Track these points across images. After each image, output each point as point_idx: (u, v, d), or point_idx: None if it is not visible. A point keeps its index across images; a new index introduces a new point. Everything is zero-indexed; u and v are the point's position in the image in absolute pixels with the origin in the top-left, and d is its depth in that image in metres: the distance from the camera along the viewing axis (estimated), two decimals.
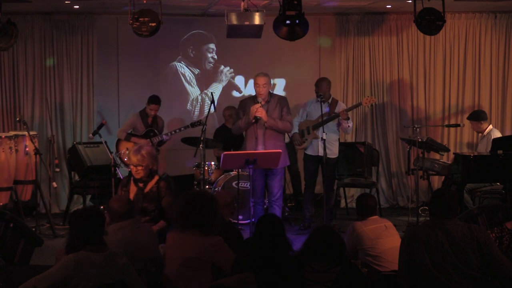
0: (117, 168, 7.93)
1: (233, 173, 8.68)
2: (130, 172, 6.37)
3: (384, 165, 10.18)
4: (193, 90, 10.44)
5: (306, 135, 8.41)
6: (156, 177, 6.28)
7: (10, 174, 8.12)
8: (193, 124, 8.89)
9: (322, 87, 8.41)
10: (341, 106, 8.46)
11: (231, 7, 8.13)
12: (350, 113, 9.94)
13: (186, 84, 10.41)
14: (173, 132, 8.96)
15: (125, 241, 4.65)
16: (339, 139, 8.70)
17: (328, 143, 7.95)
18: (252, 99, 7.86)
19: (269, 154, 7.29)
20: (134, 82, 10.18)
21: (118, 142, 9.02)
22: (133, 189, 6.24)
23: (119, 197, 5.26)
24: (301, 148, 8.50)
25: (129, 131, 8.98)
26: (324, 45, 10.37)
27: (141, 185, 6.22)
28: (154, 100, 9.02)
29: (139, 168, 6.16)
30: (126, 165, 8.42)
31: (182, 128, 8.97)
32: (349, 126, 8.37)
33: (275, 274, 4.02)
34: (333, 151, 8.38)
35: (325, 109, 8.30)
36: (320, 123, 8.07)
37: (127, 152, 8.42)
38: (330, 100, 8.45)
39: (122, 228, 4.82)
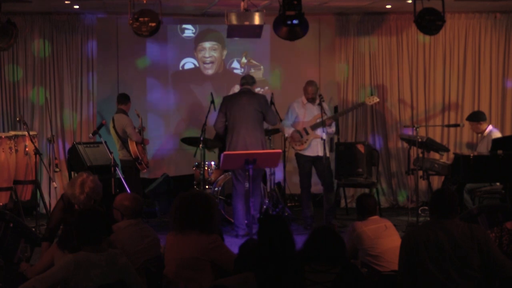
0: (116, 168, 7.91)
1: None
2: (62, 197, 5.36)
3: (384, 165, 10.17)
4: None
5: (305, 136, 8.41)
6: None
7: (10, 174, 8.11)
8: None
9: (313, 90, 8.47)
10: (325, 107, 8.51)
11: (231, 7, 8.13)
12: (350, 113, 10.01)
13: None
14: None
15: (131, 239, 4.68)
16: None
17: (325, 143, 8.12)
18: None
19: (269, 154, 7.28)
20: (134, 82, 10.17)
21: (126, 144, 8.62)
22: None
23: (127, 195, 5.24)
24: (301, 149, 8.47)
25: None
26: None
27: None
28: (128, 96, 8.92)
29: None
30: (147, 165, 8.52)
31: None
32: (332, 130, 8.60)
33: (275, 274, 4.01)
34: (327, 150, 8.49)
35: (318, 110, 8.34)
36: (320, 123, 8.12)
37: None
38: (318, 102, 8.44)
39: (129, 226, 4.84)
